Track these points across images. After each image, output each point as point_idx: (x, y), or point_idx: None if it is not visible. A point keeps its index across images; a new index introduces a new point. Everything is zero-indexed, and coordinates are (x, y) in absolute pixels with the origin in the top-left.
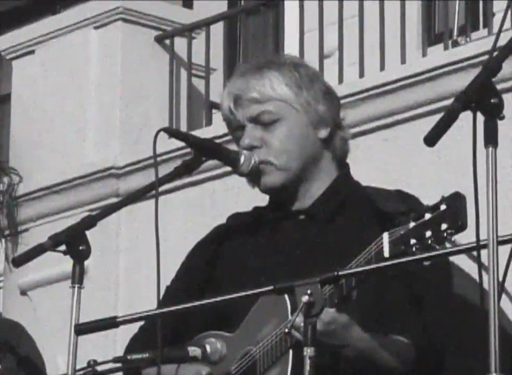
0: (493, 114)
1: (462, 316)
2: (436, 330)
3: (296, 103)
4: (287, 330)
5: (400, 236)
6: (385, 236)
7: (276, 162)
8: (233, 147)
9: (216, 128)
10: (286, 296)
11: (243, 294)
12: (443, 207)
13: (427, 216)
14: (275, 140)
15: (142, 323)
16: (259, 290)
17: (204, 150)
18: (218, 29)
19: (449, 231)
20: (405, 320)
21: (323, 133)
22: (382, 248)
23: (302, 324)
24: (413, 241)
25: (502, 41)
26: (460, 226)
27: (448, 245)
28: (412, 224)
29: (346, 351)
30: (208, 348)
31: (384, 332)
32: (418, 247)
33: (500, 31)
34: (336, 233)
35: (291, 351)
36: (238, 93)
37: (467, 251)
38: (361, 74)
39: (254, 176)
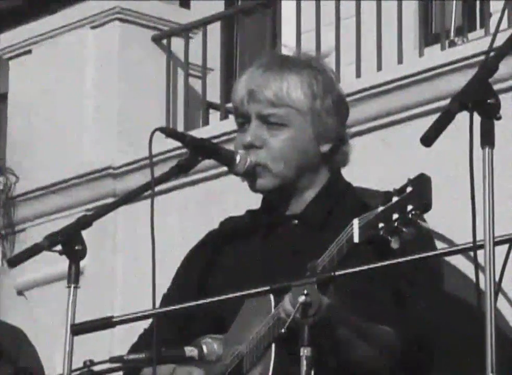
0: (490, 114)
1: (458, 316)
2: (423, 326)
3: (307, 113)
4: (283, 330)
5: (369, 220)
6: (355, 221)
7: (272, 167)
8: (229, 146)
9: (212, 128)
10: (271, 295)
11: (239, 294)
12: (409, 189)
13: (395, 199)
14: (277, 145)
15: (139, 326)
16: (256, 290)
17: (200, 150)
18: (215, 29)
19: (413, 212)
20: (390, 315)
21: (325, 147)
22: (352, 234)
23: (290, 308)
24: (381, 224)
25: (499, 42)
26: (425, 206)
27: (425, 224)
28: (380, 208)
29: (327, 336)
30: (204, 348)
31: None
32: (385, 230)
33: (497, 31)
34: (328, 238)
35: (273, 346)
36: (254, 88)
37: (464, 251)
38: (358, 74)
39: (249, 176)
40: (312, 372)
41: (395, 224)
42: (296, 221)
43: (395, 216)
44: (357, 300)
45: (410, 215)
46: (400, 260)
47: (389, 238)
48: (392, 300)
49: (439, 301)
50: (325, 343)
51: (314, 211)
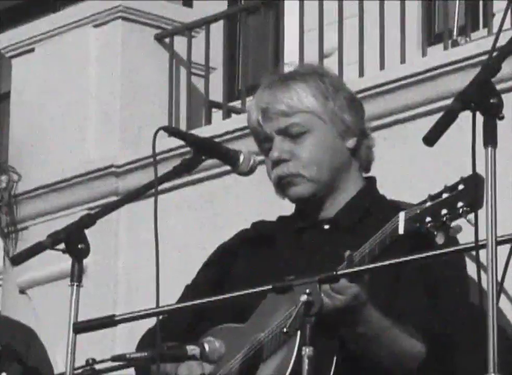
0: (492, 114)
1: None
2: (450, 322)
3: (324, 114)
4: (285, 330)
5: (416, 214)
6: (401, 214)
7: (306, 174)
8: (233, 145)
9: (215, 127)
10: None
11: (239, 293)
12: (461, 187)
13: (444, 196)
14: (304, 152)
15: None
16: (256, 289)
17: (203, 149)
18: (218, 28)
19: (464, 209)
20: (418, 308)
21: (350, 142)
22: (397, 225)
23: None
24: (428, 219)
25: (502, 41)
26: (476, 204)
27: (464, 220)
28: (428, 204)
29: (362, 330)
30: (206, 347)
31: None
32: (432, 225)
33: (499, 31)
34: (360, 242)
35: (298, 337)
36: (265, 106)
37: (466, 251)
38: (361, 74)
39: (282, 187)
40: (334, 361)
41: (444, 219)
42: (327, 226)
43: (444, 211)
44: (386, 297)
45: (459, 211)
46: (403, 259)
47: (435, 233)
48: (424, 297)
49: (467, 302)
50: (351, 333)
51: (345, 215)
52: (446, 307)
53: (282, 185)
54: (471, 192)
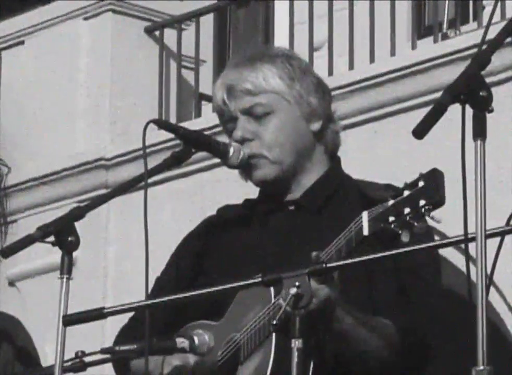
0: (482, 107)
1: (450, 309)
2: (423, 321)
3: (289, 95)
4: (274, 322)
5: (379, 213)
6: (364, 214)
7: (268, 155)
8: (222, 138)
9: (205, 120)
10: None
11: (231, 285)
12: (421, 184)
13: (406, 193)
14: (268, 133)
15: (132, 313)
16: (248, 282)
17: (193, 142)
18: (208, 21)
19: (427, 207)
20: (391, 306)
21: (315, 125)
22: (361, 226)
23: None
24: (391, 218)
25: (491, 35)
26: (438, 202)
27: (428, 220)
28: (391, 202)
29: (335, 329)
30: (196, 339)
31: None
32: (396, 224)
33: (489, 24)
34: (325, 224)
35: (274, 336)
36: (231, 84)
37: (455, 244)
38: (351, 66)
39: (246, 169)
40: (311, 364)
41: (407, 218)
42: (292, 207)
43: (407, 210)
44: (360, 291)
45: (422, 210)
46: (390, 252)
47: (399, 231)
48: (396, 293)
49: (440, 297)
50: (326, 334)
51: (310, 197)
52: (420, 304)
53: (246, 167)
54: (431, 189)
